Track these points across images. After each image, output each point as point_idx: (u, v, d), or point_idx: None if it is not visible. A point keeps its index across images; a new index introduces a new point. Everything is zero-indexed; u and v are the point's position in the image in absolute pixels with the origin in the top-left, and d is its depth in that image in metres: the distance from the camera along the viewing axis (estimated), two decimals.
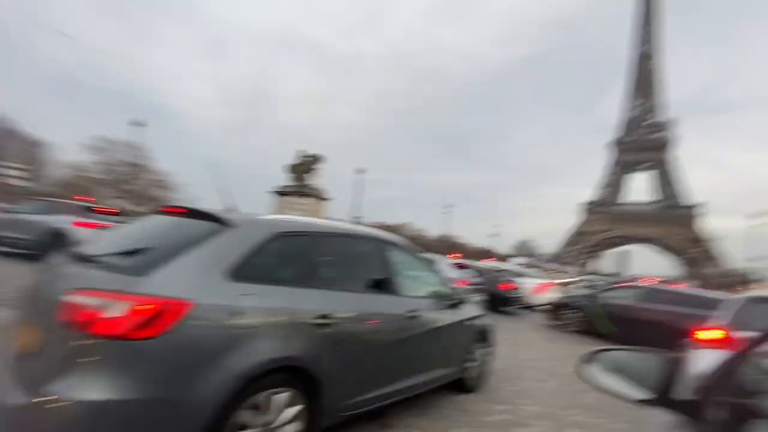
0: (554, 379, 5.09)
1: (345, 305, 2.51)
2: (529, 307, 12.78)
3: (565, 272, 56.50)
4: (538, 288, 12.64)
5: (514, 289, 11.19)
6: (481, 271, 10.94)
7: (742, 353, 1.04)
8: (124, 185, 43.83)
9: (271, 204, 34.34)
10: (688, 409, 0.98)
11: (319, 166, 33.92)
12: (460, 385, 3.94)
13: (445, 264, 8.91)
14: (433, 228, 47.10)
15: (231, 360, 1.85)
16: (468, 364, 4.02)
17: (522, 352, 6.77)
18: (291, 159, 35.25)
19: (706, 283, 73.50)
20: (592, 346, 7.75)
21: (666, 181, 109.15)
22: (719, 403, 0.95)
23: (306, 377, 2.19)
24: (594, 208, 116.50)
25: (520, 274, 13.69)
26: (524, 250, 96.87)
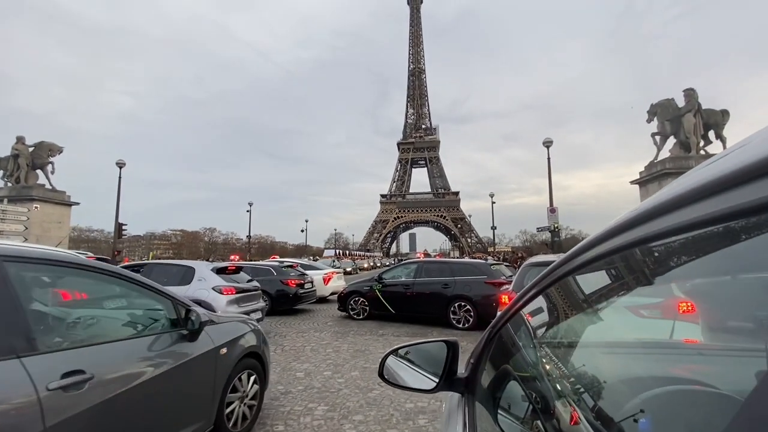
0: (325, 403, 3.91)
1: None
2: (324, 299, 12.31)
3: (373, 257, 62.39)
4: (327, 278, 12.19)
5: (303, 284, 10.23)
6: (258, 272, 9.35)
7: (502, 316, 1.07)
8: None
9: None
10: (464, 385, 1.14)
11: (51, 158, 24.68)
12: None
13: (207, 271, 6.73)
14: (244, 231, 42.50)
15: None
16: (230, 408, 2.91)
17: (303, 361, 5.52)
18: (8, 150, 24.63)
19: (467, 251, 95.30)
20: (375, 335, 6.59)
21: (436, 175, 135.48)
22: (483, 372, 1.12)
23: None
24: (388, 200, 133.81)
25: (310, 267, 12.94)
26: (337, 242, 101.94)
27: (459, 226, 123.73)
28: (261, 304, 7.48)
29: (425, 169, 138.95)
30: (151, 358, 2.17)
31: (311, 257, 40.21)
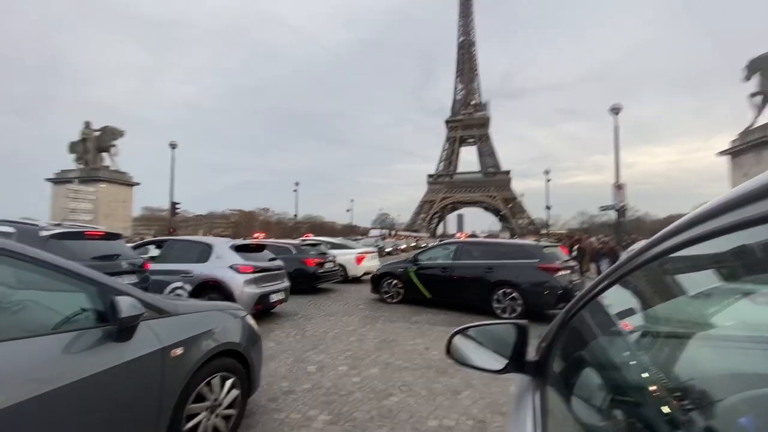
0: (329, 411, 3.24)
1: None
2: (357, 279, 11.91)
3: (419, 238, 61.88)
4: (359, 258, 11.66)
5: (323, 263, 9.87)
6: (278, 250, 9.07)
7: (578, 301, 1.03)
8: None
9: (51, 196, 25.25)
10: (534, 369, 1.11)
11: (115, 142, 26.42)
12: None
13: (225, 249, 6.37)
14: (295, 211, 44.06)
15: None
16: (194, 421, 2.29)
17: (320, 351, 4.93)
18: (77, 135, 26.75)
19: (518, 233, 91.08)
20: (407, 323, 5.55)
21: (485, 153, 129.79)
22: (555, 357, 1.08)
23: None
24: (435, 180, 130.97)
25: (342, 246, 12.47)
26: (383, 222, 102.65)
27: (510, 206, 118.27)
28: (285, 284, 7.06)
29: (474, 147, 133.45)
30: (49, 365, 1.55)
31: (357, 237, 40.34)
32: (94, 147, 25.50)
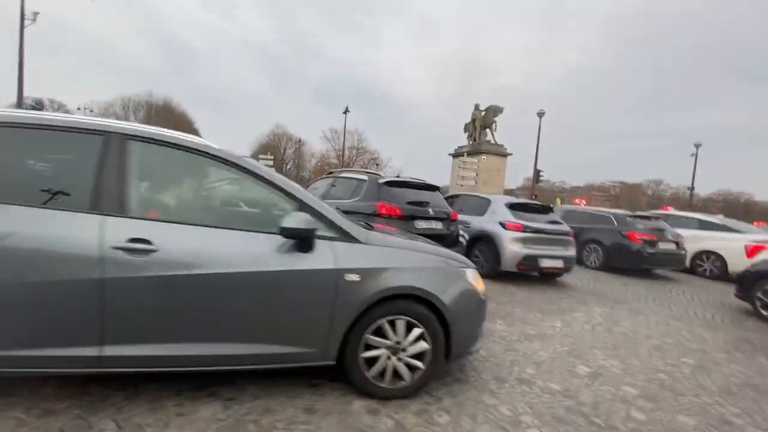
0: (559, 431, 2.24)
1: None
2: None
3: None
4: (753, 248, 6.91)
5: (655, 242, 7.42)
6: (594, 218, 7.58)
7: None
8: (349, 165, 54.18)
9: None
10: None
11: (495, 118, 30.44)
12: (347, 376, 2.34)
13: (500, 205, 6.51)
14: (702, 184, 34.74)
15: None
16: (372, 353, 2.28)
17: (614, 356, 3.46)
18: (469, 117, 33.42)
19: None
20: None
21: None
22: None
23: None
24: None
25: (721, 228, 7.88)
26: None
27: None
28: (569, 252, 6.26)
29: None
30: (233, 252, 1.98)
31: None
32: (480, 125, 30.65)
